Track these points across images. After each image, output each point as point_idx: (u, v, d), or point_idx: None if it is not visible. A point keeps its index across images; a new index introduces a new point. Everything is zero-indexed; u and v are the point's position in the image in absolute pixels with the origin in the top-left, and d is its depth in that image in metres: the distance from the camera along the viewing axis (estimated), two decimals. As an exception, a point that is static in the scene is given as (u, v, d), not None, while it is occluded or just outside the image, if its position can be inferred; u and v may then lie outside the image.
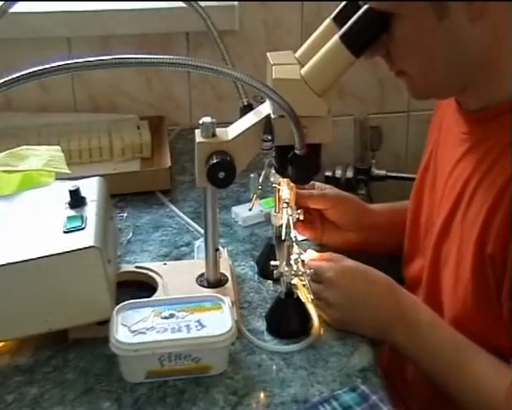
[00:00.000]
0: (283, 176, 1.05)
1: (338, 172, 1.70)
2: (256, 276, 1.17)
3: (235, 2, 1.58)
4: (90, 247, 0.96)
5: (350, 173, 1.70)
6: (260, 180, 1.15)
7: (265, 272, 1.14)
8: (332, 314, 1.05)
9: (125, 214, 1.34)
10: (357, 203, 1.25)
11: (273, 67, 0.98)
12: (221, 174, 1.00)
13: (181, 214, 1.34)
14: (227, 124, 1.05)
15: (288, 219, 1.08)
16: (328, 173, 1.71)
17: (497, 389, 0.94)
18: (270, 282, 1.16)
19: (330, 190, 1.25)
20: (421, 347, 1.01)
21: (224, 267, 1.13)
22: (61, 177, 1.17)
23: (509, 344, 0.95)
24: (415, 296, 1.06)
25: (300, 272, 1.05)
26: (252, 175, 1.23)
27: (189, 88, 1.67)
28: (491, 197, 0.94)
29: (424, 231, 1.14)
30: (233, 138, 1.01)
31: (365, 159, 1.70)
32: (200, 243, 1.21)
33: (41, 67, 0.84)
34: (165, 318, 0.97)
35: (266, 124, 1.00)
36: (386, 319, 1.03)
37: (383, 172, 1.71)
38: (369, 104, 1.74)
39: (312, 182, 1.24)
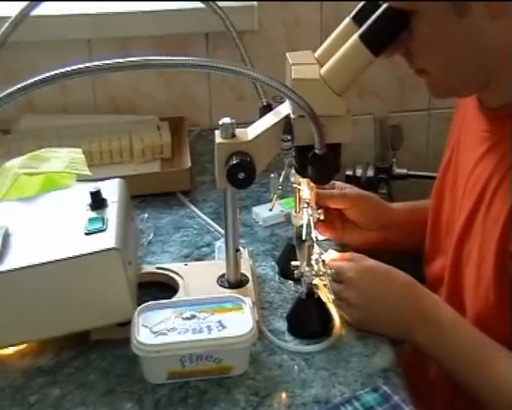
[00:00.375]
0: (303, 176, 1.05)
1: (358, 171, 1.69)
2: (277, 276, 1.17)
3: (255, 2, 1.58)
4: (111, 249, 0.96)
5: (371, 172, 1.69)
6: (280, 180, 1.14)
7: (286, 272, 1.14)
8: (353, 314, 1.05)
9: (146, 215, 1.34)
10: (377, 202, 1.24)
11: (292, 67, 0.98)
12: (241, 175, 1.00)
13: (201, 215, 1.35)
14: (247, 124, 1.04)
15: (309, 220, 1.08)
16: (349, 172, 1.70)
17: None
18: (290, 282, 1.15)
19: (350, 189, 1.24)
20: (442, 346, 1.01)
21: (245, 268, 1.13)
22: (82, 179, 1.18)
23: None
24: (436, 296, 1.06)
25: (321, 273, 1.05)
26: (272, 175, 1.23)
27: (208, 89, 1.67)
28: (513, 196, 0.93)
29: (445, 230, 1.14)
30: (253, 139, 1.01)
31: (386, 158, 1.69)
32: (220, 243, 1.21)
33: (62, 70, 0.84)
34: (187, 319, 0.97)
35: (286, 124, 1.00)
36: (407, 319, 1.02)
37: (404, 171, 1.70)
38: (389, 102, 1.73)
39: (332, 181, 1.23)
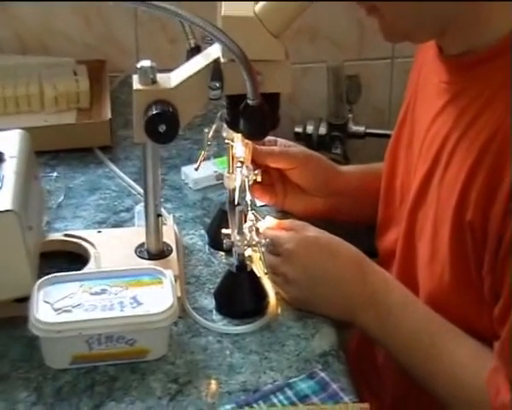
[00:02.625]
0: (236, 131, 1.05)
1: (309, 128, 1.70)
2: (206, 247, 1.18)
3: None
4: (6, 211, 0.95)
5: (323, 130, 1.70)
6: (210, 135, 1.14)
7: (217, 242, 1.14)
8: (290, 292, 1.06)
9: (56, 174, 1.33)
10: (325, 164, 1.25)
11: (223, 3, 0.98)
12: (162, 127, 0.99)
13: (122, 175, 1.34)
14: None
15: (243, 181, 1.08)
16: (298, 129, 1.71)
17: (476, 377, 0.95)
18: (222, 254, 1.16)
19: (294, 147, 1.25)
20: (391, 330, 1.02)
21: (169, 236, 1.13)
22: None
23: (491, 325, 0.96)
24: (387, 273, 1.07)
25: (254, 242, 1.05)
26: (206, 130, 1.23)
27: (135, 28, 1.65)
28: (472, 156, 0.94)
29: (399, 197, 1.15)
30: (176, 86, 1.00)
31: (341, 113, 1.70)
32: (140, 207, 1.21)
33: None
34: (96, 294, 0.97)
35: (215, 69, 0.99)
36: (351, 298, 1.04)
37: (362, 129, 1.72)
38: (345, 49, 1.73)
39: (274, 138, 1.24)
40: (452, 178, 0.98)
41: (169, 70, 1.03)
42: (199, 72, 1.00)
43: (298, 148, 1.25)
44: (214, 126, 1.13)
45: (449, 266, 0.99)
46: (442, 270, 1.00)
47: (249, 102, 0.96)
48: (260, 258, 1.08)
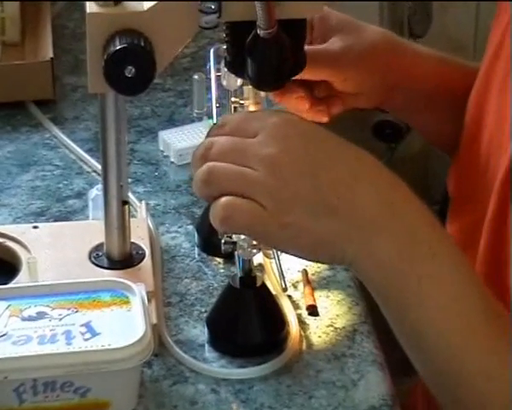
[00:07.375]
0: (240, 76, 1.07)
1: (353, 74, 1.71)
2: (196, 250, 1.20)
3: None
4: None
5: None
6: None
7: (211, 243, 1.16)
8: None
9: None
10: (390, 52, 1.27)
11: None
12: (129, 70, 1.00)
13: (70, 143, 1.37)
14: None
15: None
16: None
17: None
18: (219, 260, 1.18)
19: (337, 40, 1.23)
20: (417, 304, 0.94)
21: (140, 235, 1.15)
22: None
23: None
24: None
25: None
26: (196, 77, 1.25)
27: None
28: None
29: (485, 158, 1.15)
30: (150, 8, 1.01)
31: (401, 51, 1.72)
32: (98, 191, 1.22)
33: None
34: (30, 319, 0.99)
35: (209, -16, 1.01)
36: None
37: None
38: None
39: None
40: None
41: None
42: (184, -12, 1.02)
43: (342, 39, 1.25)
44: (207, 68, 1.14)
45: None
46: None
47: (260, 32, 0.97)
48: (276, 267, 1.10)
